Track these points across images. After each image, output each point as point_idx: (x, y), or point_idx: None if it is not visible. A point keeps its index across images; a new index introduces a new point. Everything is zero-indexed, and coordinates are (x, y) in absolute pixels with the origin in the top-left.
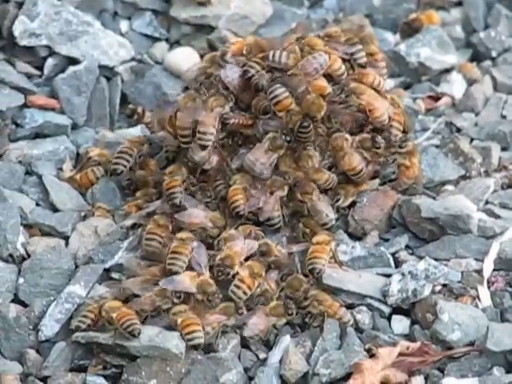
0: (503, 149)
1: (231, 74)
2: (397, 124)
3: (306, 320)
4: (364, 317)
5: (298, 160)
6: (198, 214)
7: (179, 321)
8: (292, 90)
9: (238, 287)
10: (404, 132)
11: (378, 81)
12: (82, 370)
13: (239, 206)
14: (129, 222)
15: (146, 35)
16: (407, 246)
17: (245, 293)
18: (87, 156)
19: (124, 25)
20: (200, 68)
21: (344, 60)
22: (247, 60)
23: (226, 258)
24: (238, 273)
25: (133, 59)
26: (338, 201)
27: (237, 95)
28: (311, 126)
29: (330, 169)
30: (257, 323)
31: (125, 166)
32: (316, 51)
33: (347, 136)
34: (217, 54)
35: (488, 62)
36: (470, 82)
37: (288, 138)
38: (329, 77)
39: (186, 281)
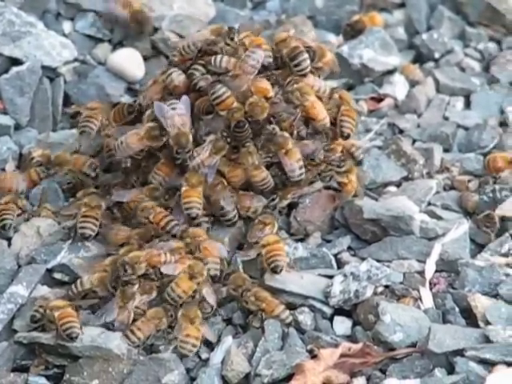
0: (445, 150)
1: (176, 77)
2: (348, 119)
3: (247, 320)
4: (306, 318)
5: (237, 158)
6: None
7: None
8: (233, 89)
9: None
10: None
11: (317, 86)
12: (24, 370)
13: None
14: (70, 223)
15: (89, 36)
16: (349, 248)
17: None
18: (30, 156)
19: (67, 26)
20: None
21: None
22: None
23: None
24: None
25: (76, 60)
26: (273, 200)
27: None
28: (246, 125)
29: (267, 168)
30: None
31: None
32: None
33: (286, 135)
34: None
35: (430, 64)
36: (413, 84)
37: (229, 140)
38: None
39: None
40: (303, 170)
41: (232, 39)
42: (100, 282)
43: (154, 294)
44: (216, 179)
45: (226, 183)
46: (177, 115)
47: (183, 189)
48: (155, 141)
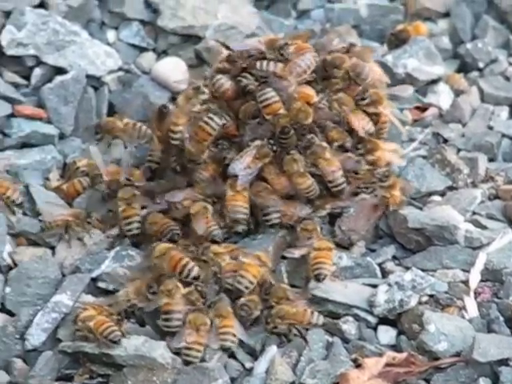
0: (490, 160)
1: (225, 83)
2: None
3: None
4: (350, 327)
5: (282, 165)
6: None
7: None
8: (280, 91)
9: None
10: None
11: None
12: (69, 379)
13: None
14: (115, 232)
15: (134, 45)
16: (394, 257)
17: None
18: (74, 166)
19: (111, 35)
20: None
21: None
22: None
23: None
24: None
25: (120, 69)
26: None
27: (228, 105)
28: (291, 132)
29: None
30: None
31: None
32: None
33: (324, 144)
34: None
35: (475, 73)
36: (457, 93)
37: (274, 148)
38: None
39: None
40: (344, 179)
41: (282, 55)
42: (137, 292)
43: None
44: (259, 185)
45: (269, 187)
46: None
47: (228, 193)
48: None
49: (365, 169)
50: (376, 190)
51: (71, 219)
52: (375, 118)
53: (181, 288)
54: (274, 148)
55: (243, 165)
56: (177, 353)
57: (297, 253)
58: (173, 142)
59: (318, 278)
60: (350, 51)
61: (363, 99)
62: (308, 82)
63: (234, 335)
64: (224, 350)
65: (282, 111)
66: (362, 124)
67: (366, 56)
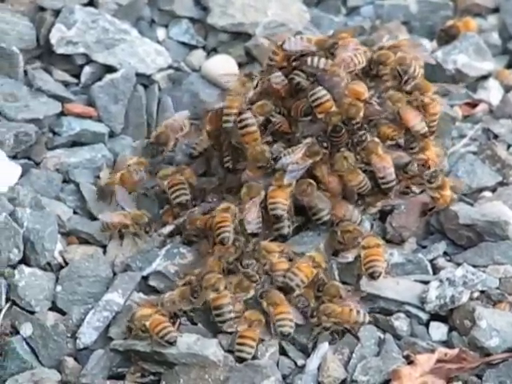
0: None
1: (279, 80)
2: None
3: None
4: (402, 323)
5: (332, 164)
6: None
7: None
8: (331, 89)
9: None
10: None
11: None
12: (120, 377)
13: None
14: (166, 230)
15: (183, 43)
16: (445, 253)
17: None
18: (126, 164)
19: (161, 32)
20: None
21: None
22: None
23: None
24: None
25: (170, 67)
26: (361, 207)
27: (281, 101)
28: (343, 130)
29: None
30: None
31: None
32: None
33: (377, 140)
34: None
35: None
36: (507, 89)
37: (325, 145)
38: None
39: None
40: (394, 177)
41: (332, 53)
42: (182, 296)
43: (252, 292)
44: (304, 183)
45: (315, 185)
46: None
47: (270, 188)
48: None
49: (415, 169)
50: (425, 191)
51: (130, 223)
52: (422, 109)
53: (223, 278)
54: (325, 146)
55: (292, 159)
56: (229, 350)
57: (350, 256)
58: (225, 126)
59: (373, 276)
60: (396, 47)
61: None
62: (358, 77)
63: (291, 320)
64: (283, 336)
65: (333, 109)
66: (415, 122)
67: (413, 50)
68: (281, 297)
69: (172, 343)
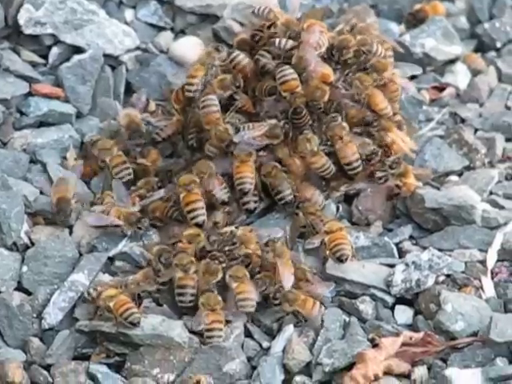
0: (507, 140)
1: (243, 59)
2: None
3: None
4: (367, 307)
5: (295, 146)
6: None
7: (111, 304)
8: (299, 72)
9: None
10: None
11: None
12: (86, 358)
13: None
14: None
15: (151, 24)
16: (411, 237)
17: None
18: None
19: (129, 14)
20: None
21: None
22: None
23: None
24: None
25: (138, 48)
26: (324, 191)
27: (246, 81)
28: (304, 112)
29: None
30: None
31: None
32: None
33: (344, 124)
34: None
35: (493, 53)
36: (475, 73)
37: (287, 127)
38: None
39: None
40: (360, 163)
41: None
42: (145, 277)
43: (220, 275)
44: (269, 165)
45: (279, 167)
46: None
47: (235, 164)
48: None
49: (378, 157)
50: (388, 179)
51: (122, 223)
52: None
53: (195, 263)
54: (287, 129)
55: (250, 135)
56: (194, 332)
57: (316, 242)
58: (187, 95)
59: (341, 260)
60: (353, 30)
61: (365, 69)
62: (324, 60)
63: (253, 299)
64: (247, 314)
65: (299, 89)
66: (384, 105)
67: (371, 31)
68: (243, 271)
69: (135, 324)
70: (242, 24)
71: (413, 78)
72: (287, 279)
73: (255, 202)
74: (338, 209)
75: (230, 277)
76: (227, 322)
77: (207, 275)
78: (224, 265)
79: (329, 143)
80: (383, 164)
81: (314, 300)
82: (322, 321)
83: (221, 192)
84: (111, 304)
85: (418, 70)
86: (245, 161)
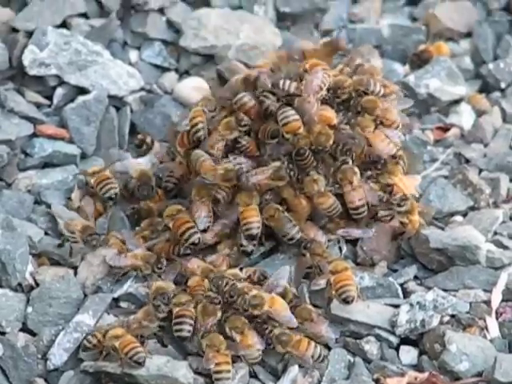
0: None
1: (249, 101)
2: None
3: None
4: (372, 347)
5: (301, 187)
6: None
7: (117, 344)
8: (301, 114)
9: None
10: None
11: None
12: None
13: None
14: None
15: (156, 65)
16: (416, 277)
17: None
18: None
19: (133, 55)
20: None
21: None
22: (261, 92)
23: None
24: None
25: (142, 89)
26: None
27: (250, 124)
28: (307, 153)
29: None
30: None
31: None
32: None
33: (356, 169)
34: (250, 75)
35: (497, 94)
36: (479, 113)
37: (292, 172)
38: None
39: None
40: (366, 208)
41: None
42: (146, 315)
43: (219, 314)
44: (272, 208)
45: (281, 209)
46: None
47: (240, 209)
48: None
49: (384, 198)
50: (394, 218)
51: (141, 263)
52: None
53: (193, 302)
54: (292, 171)
55: (256, 180)
56: (199, 373)
57: (322, 283)
58: (197, 136)
59: (347, 301)
60: (357, 71)
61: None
62: (326, 103)
63: (258, 350)
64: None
65: (301, 130)
66: (383, 146)
67: (374, 73)
68: (242, 321)
69: (140, 363)
70: (246, 65)
71: (417, 118)
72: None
73: (254, 245)
74: (340, 249)
75: (230, 329)
76: (233, 361)
77: (206, 316)
78: (220, 306)
79: (336, 185)
80: (389, 203)
81: (309, 341)
82: (328, 361)
83: (203, 220)
84: (117, 344)
85: (409, 103)
86: (248, 204)
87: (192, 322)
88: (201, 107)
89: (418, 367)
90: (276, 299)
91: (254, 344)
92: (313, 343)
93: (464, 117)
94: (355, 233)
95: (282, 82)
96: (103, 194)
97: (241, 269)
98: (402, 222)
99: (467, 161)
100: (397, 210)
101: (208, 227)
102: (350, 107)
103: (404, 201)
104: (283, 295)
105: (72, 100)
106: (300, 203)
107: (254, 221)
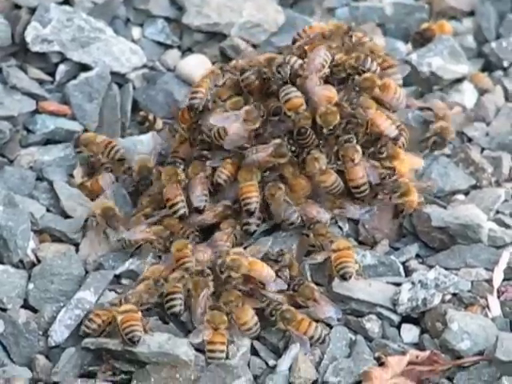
0: None
1: (251, 79)
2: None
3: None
4: (373, 325)
5: (303, 167)
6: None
7: (119, 319)
8: (303, 92)
9: None
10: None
11: (398, 94)
12: (92, 376)
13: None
14: (137, 237)
15: (158, 42)
16: (417, 255)
17: None
18: (100, 162)
19: (136, 32)
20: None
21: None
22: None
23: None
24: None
25: (145, 66)
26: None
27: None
28: (308, 132)
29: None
30: None
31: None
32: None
33: (358, 147)
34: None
35: (499, 72)
36: (482, 92)
37: (293, 148)
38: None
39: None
40: (367, 187)
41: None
42: (147, 287)
43: (212, 287)
44: (273, 186)
45: (283, 189)
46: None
47: (241, 185)
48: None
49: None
50: (391, 199)
51: (154, 238)
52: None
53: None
54: (293, 149)
55: (257, 158)
56: (200, 350)
57: (319, 258)
58: (191, 102)
59: (345, 277)
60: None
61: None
62: (326, 80)
63: (256, 324)
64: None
65: (303, 108)
66: (385, 126)
67: (375, 50)
68: (236, 294)
69: (134, 342)
70: (248, 42)
71: (419, 96)
72: None
73: (257, 225)
74: (340, 228)
75: (225, 304)
76: (231, 342)
77: (199, 289)
78: (211, 277)
79: (339, 162)
80: (385, 187)
81: (310, 321)
82: (329, 339)
83: (197, 198)
84: (119, 318)
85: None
86: (248, 180)
87: (182, 296)
88: (207, 79)
89: (419, 346)
90: (255, 261)
91: (249, 320)
92: (314, 324)
93: (466, 95)
94: (351, 213)
95: (288, 57)
96: (111, 157)
97: (245, 247)
98: (399, 204)
99: (469, 139)
100: (391, 195)
101: (204, 206)
102: (348, 86)
103: (397, 187)
104: (289, 266)
105: (74, 77)
106: (299, 183)
107: (253, 196)
